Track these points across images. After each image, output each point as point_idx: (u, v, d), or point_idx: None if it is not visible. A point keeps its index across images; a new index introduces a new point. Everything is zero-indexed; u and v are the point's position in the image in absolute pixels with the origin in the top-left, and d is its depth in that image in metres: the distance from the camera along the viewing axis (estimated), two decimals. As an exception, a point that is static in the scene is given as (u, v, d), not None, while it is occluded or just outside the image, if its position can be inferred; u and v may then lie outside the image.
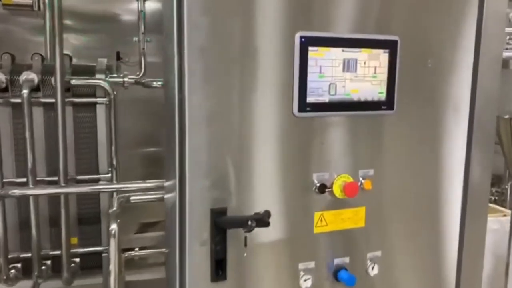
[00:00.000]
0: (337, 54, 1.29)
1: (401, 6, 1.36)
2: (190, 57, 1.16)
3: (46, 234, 2.49)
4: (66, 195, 2.30)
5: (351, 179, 1.34)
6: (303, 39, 1.25)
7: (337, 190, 1.33)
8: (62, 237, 2.34)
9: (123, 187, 2.22)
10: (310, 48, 1.26)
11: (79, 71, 2.50)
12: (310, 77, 1.27)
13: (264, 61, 1.23)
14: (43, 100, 2.40)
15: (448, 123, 1.45)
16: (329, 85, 1.30)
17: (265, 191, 1.27)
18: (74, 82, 2.33)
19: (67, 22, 3.43)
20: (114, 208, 1.85)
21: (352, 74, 1.32)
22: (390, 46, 1.35)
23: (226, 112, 1.21)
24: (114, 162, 2.45)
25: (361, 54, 1.32)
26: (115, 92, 2.39)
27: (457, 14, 1.42)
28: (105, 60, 2.59)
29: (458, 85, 1.45)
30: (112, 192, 2.29)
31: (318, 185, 1.31)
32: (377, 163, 1.39)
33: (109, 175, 2.48)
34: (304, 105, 1.28)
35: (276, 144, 1.27)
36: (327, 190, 1.31)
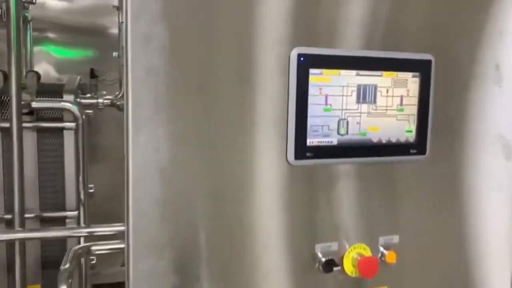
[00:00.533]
0: (350, 79, 0.93)
1: (431, 15, 0.99)
2: (136, 83, 0.79)
3: (3, 282, 2.12)
4: (23, 240, 1.93)
5: (368, 251, 0.97)
6: (302, 58, 0.89)
7: (349, 267, 0.95)
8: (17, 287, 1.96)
9: (89, 231, 1.84)
10: (311, 70, 0.90)
11: (46, 91, 2.15)
12: (311, 110, 0.91)
13: (247, 89, 0.87)
14: (1, 124, 2.04)
15: (497, 171, 1.08)
16: (339, 122, 0.93)
17: (243, 275, 0.90)
18: (35, 104, 1.97)
19: (50, 34, 3.12)
20: (66, 266, 1.47)
21: (370, 107, 0.95)
22: (422, 67, 0.98)
23: (187, 160, 0.84)
24: (82, 197, 2.08)
25: (382, 79, 0.95)
26: (83, 117, 2.03)
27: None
28: (77, 78, 2.24)
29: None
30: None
31: (323, 260, 0.94)
32: (404, 227, 1.01)
33: (77, 212, 2.11)
34: (303, 150, 0.91)
35: (263, 205, 0.90)
36: (335, 268, 0.93)
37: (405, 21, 0.98)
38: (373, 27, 0.95)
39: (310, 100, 0.90)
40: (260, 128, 0.89)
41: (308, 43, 0.90)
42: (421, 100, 0.99)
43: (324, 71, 0.91)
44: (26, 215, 2.00)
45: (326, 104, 0.92)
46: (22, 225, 1.96)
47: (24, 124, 1.95)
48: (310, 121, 0.91)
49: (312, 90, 0.90)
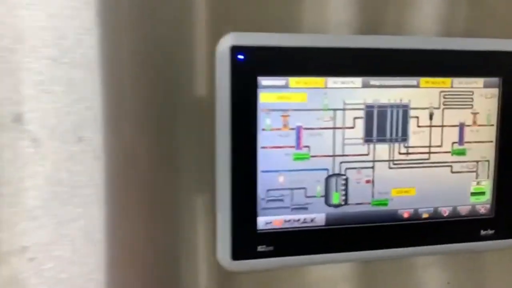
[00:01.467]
0: (350, 94, 0.46)
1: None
2: None
3: None
4: None
5: None
6: (240, 55, 0.43)
7: None
8: None
9: None
10: (262, 80, 0.44)
11: None
12: (265, 159, 0.45)
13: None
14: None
15: None
16: (328, 181, 0.46)
17: None
18: None
19: None
20: None
21: (394, 148, 0.47)
22: (507, 68, 0.49)
23: None
24: None
25: (418, 93, 0.47)
26: None
27: None
28: None
29: None
30: None
31: None
32: None
33: None
34: (249, 240, 0.45)
35: None
36: None
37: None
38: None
39: (263, 138, 0.44)
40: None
41: (256, 26, 0.44)
42: (503, 132, 0.50)
43: (293, 80, 0.45)
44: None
45: (298, 146, 0.45)
46: None
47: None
48: (263, 181, 0.45)
49: (265, 120, 0.44)
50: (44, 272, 0.43)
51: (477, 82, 0.49)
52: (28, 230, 0.42)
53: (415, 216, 0.49)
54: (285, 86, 0.45)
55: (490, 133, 0.50)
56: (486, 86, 0.49)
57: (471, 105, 0.49)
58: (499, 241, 0.51)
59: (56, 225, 0.43)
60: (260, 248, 0.46)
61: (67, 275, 0.43)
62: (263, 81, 0.44)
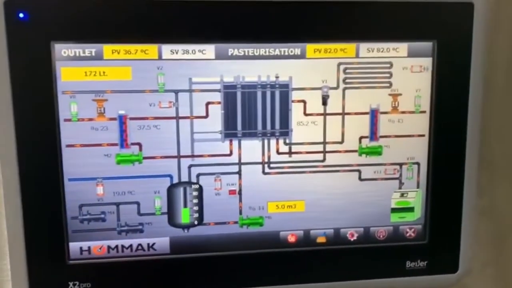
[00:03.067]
0: (197, 68, 0.32)
1: None
2: None
3: None
4: None
5: None
6: (21, 14, 0.30)
7: None
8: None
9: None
10: (59, 47, 0.30)
11: None
12: (70, 163, 0.31)
13: None
14: None
15: None
16: (170, 192, 0.33)
17: None
18: None
19: None
20: None
21: (268, 144, 0.33)
22: (440, 28, 0.33)
23: None
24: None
25: (304, 65, 0.32)
26: None
27: None
28: None
29: None
30: None
31: None
32: None
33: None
34: (52, 277, 0.33)
35: None
36: None
37: None
38: None
39: (68, 133, 0.31)
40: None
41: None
42: (440, 121, 0.34)
43: (108, 49, 0.31)
44: None
45: (123, 144, 0.32)
46: None
47: None
48: (72, 193, 0.32)
49: (69, 106, 0.31)
50: None
51: (398, 49, 0.33)
52: None
53: (306, 241, 0.35)
54: (97, 57, 0.31)
55: (420, 124, 0.34)
56: (412, 54, 0.34)
57: (389, 82, 0.34)
58: (435, 276, 0.36)
59: None
60: (71, 285, 0.33)
61: None
62: (63, 49, 0.30)
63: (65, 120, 0.31)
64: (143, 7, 0.31)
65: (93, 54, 0.31)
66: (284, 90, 0.33)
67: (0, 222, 0.34)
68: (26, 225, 0.32)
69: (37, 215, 0.32)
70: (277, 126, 0.33)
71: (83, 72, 0.31)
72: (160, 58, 0.31)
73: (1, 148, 0.31)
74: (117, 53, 0.31)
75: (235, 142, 0.33)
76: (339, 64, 0.33)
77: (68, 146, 0.32)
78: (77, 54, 0.31)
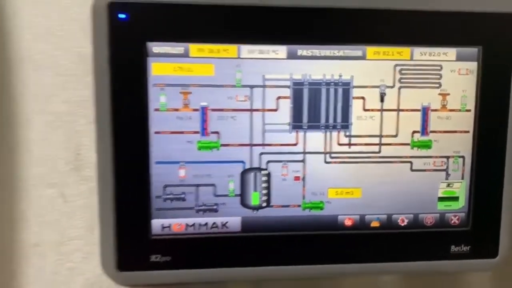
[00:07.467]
0: (273, 67, 0.36)
1: None
2: None
3: None
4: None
5: None
6: (121, 15, 0.34)
7: None
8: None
9: None
10: (153, 46, 0.35)
11: None
12: (160, 147, 0.36)
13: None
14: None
15: None
16: (243, 176, 0.37)
17: None
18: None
19: None
20: None
21: (332, 137, 0.37)
22: (486, 33, 0.37)
23: None
24: None
25: (364, 66, 0.37)
26: None
27: None
28: None
29: None
30: None
31: None
32: None
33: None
34: (139, 248, 0.36)
35: None
36: None
37: None
38: None
39: (157, 121, 0.35)
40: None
41: (146, -24, 0.35)
42: (483, 120, 0.38)
43: (194, 48, 0.35)
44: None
45: (204, 132, 0.36)
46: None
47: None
48: (158, 174, 0.36)
49: (159, 97, 0.35)
50: None
51: (447, 54, 0.37)
52: None
53: (361, 225, 0.38)
54: (184, 55, 0.35)
55: (465, 121, 0.38)
56: (459, 58, 0.38)
57: (439, 83, 0.38)
58: (477, 260, 0.40)
59: None
60: (153, 258, 0.37)
61: None
62: (155, 47, 0.35)
63: (155, 109, 0.35)
64: (226, 12, 0.35)
65: (181, 52, 0.35)
66: (346, 87, 0.37)
67: (93, 199, 0.38)
68: (116, 202, 0.36)
69: (126, 193, 0.36)
70: (339, 119, 0.37)
71: (172, 68, 0.35)
72: (238, 57, 0.36)
73: (98, 132, 0.35)
74: (202, 51, 0.35)
75: (301, 133, 0.37)
76: (395, 66, 0.37)
77: (156, 132, 0.36)
78: (167, 52, 0.35)
